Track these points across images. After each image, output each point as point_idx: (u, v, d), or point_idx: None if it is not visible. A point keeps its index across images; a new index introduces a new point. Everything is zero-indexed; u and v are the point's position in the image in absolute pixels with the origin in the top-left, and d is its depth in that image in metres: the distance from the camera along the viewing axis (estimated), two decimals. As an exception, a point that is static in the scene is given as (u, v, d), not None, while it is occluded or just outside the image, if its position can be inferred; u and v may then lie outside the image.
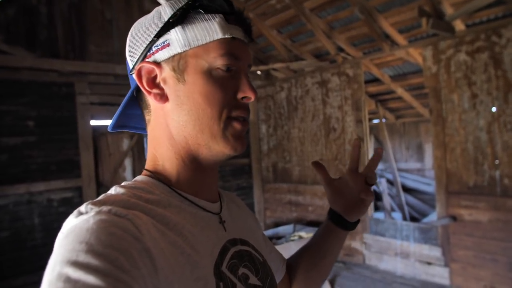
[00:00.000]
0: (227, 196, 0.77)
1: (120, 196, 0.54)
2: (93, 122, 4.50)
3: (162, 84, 0.60)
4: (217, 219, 0.64)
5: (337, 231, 0.86)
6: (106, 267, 0.42)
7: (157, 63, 0.60)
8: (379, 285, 4.11)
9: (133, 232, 0.47)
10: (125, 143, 4.82)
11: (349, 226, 0.86)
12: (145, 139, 4.95)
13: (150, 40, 0.60)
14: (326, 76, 5.14)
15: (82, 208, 0.50)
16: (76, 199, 4.27)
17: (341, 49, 4.92)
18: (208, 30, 0.58)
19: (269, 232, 4.68)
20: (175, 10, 0.59)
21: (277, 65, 5.35)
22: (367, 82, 5.98)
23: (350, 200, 0.84)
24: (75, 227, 0.46)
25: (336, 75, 5.01)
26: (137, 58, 0.61)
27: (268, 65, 5.53)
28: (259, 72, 5.93)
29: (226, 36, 0.59)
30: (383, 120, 7.08)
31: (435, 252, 4.02)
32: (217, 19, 0.59)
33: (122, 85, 4.57)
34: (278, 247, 0.98)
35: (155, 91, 0.60)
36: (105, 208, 0.49)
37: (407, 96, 6.02)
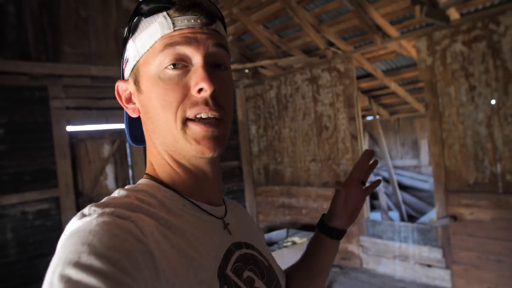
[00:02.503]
0: (229, 202, 0.77)
1: (123, 198, 0.54)
2: (70, 128, 4.24)
3: (133, 99, 0.63)
4: (221, 223, 0.64)
5: (331, 244, 0.87)
6: (108, 269, 0.41)
7: (127, 80, 0.64)
8: (377, 291, 3.91)
9: (136, 234, 0.47)
10: (106, 149, 4.56)
11: (341, 235, 0.87)
12: (127, 144, 4.70)
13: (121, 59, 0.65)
14: (316, 72, 4.92)
15: (86, 210, 0.50)
16: (53, 211, 4.01)
17: (331, 44, 4.71)
18: (151, 33, 0.58)
19: (261, 238, 4.46)
20: (128, 26, 0.61)
21: (265, 62, 5.14)
22: (359, 77, 5.80)
23: (351, 208, 0.87)
24: (78, 229, 0.46)
25: (326, 70, 4.79)
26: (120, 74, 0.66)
27: (255, 62, 5.31)
28: (246, 70, 5.70)
29: (166, 32, 0.57)
30: (377, 116, 6.92)
31: (436, 254, 3.83)
32: (158, 19, 0.57)
33: (100, 88, 4.31)
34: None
35: (130, 106, 0.64)
36: (108, 210, 0.49)
37: (401, 91, 5.84)
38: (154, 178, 0.63)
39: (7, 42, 3.87)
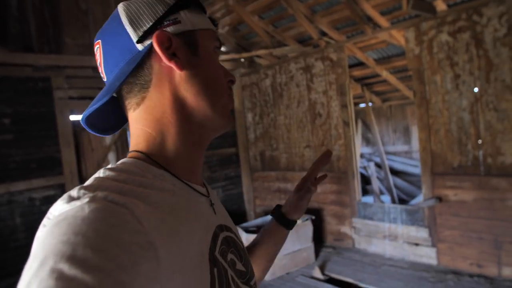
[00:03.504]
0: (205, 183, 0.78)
1: (113, 181, 0.50)
2: (73, 117, 4.39)
3: (180, 56, 0.61)
4: (208, 201, 0.65)
5: (283, 233, 0.97)
6: (106, 265, 0.38)
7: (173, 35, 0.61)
8: (368, 268, 4.14)
9: (134, 224, 0.44)
10: (108, 138, 4.73)
11: (293, 225, 0.98)
12: (128, 132, 4.86)
13: (161, 13, 0.60)
14: (310, 62, 5.08)
15: (74, 192, 0.47)
16: (59, 197, 4.09)
17: (323, 34, 4.85)
18: (204, 20, 0.65)
19: (258, 221, 4.66)
20: None
21: (260, 52, 5.27)
22: (352, 66, 5.95)
23: (303, 201, 0.97)
24: (67, 215, 0.42)
25: (320, 60, 4.95)
26: (147, 28, 0.60)
27: (251, 52, 5.45)
28: (242, 60, 5.84)
29: (213, 28, 0.68)
30: (370, 104, 7.08)
31: (422, 233, 4.05)
32: (204, 14, 0.67)
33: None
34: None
35: (174, 59, 0.60)
36: (100, 194, 0.45)
37: (392, 79, 6.00)
38: (143, 155, 0.60)
39: (11, 35, 3.99)
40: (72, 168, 4.32)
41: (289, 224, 0.96)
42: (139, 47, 0.59)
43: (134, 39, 0.59)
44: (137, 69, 0.60)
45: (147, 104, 0.61)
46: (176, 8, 0.61)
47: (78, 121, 4.48)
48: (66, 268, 0.37)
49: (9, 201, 3.91)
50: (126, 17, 0.60)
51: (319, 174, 1.00)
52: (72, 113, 4.37)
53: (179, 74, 0.60)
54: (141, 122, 0.62)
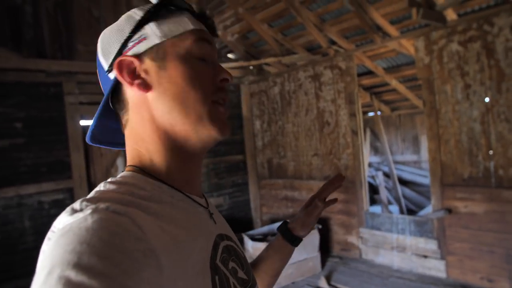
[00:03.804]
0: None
1: (113, 193, 0.53)
2: (83, 122, 4.44)
3: (143, 75, 0.61)
4: (207, 212, 0.65)
5: (289, 249, 0.96)
6: (111, 271, 0.40)
7: (135, 56, 0.61)
8: (376, 280, 4.08)
9: (135, 232, 0.46)
10: (117, 143, 4.77)
11: (298, 242, 0.97)
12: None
13: (125, 37, 0.62)
14: (318, 70, 5.08)
15: (76, 205, 0.48)
16: (67, 201, 4.22)
17: (333, 42, 4.86)
18: (180, 23, 0.63)
19: (264, 229, 4.64)
20: (146, 10, 0.62)
21: (269, 60, 5.29)
22: (361, 75, 5.94)
23: (311, 218, 0.98)
24: (72, 226, 0.44)
25: (328, 68, 4.95)
26: (114, 55, 0.62)
27: (260, 60, 5.47)
28: (251, 67, 5.87)
29: (197, 27, 0.64)
30: (378, 112, 7.04)
31: (431, 245, 3.99)
32: (185, 15, 0.64)
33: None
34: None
35: (137, 81, 0.61)
36: (102, 205, 0.47)
37: (401, 88, 5.97)
38: (138, 170, 0.62)
39: (25, 41, 4.07)
40: (81, 173, 4.35)
41: (295, 241, 0.95)
42: (111, 76, 0.63)
43: (103, 71, 0.64)
44: (116, 95, 0.64)
45: (131, 125, 0.64)
46: (143, 23, 0.62)
47: (88, 126, 4.53)
48: (73, 275, 0.38)
49: (18, 204, 3.96)
50: (100, 48, 0.65)
51: (330, 197, 1.00)
52: (82, 118, 4.42)
53: (150, 95, 0.61)
54: (131, 140, 0.64)
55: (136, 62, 0.61)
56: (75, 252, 0.40)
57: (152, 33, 0.61)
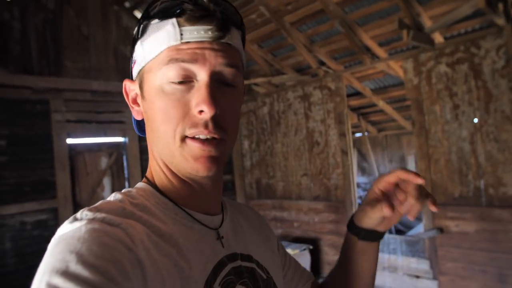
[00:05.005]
0: (235, 207, 0.75)
1: (117, 203, 0.53)
2: (70, 140, 4.32)
3: (139, 100, 0.61)
4: (214, 234, 0.61)
5: (363, 246, 0.75)
6: (96, 279, 0.41)
7: (134, 81, 0.61)
8: (368, 301, 4.01)
9: (126, 242, 0.47)
10: (104, 162, 4.65)
11: (373, 236, 0.74)
12: (124, 157, 4.78)
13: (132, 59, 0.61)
14: (308, 90, 5.12)
15: (78, 214, 0.50)
16: (51, 221, 4.05)
17: (322, 63, 4.92)
18: (158, 40, 0.54)
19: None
20: (137, 27, 0.58)
21: (259, 80, 5.32)
22: (349, 95, 6.01)
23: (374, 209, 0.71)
24: (67, 235, 0.46)
25: (318, 88, 5.00)
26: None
27: (249, 80, 5.49)
28: (241, 87, 5.87)
29: (173, 43, 0.53)
30: (366, 133, 7.12)
31: (423, 265, 3.97)
32: (166, 26, 0.53)
33: (100, 102, 4.42)
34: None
35: (135, 107, 0.62)
36: (99, 215, 0.49)
37: (388, 109, 6.07)
38: (151, 183, 0.62)
39: (12, 57, 3.98)
40: (66, 192, 4.20)
41: (359, 233, 0.74)
42: None
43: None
44: None
45: (147, 138, 0.64)
46: (134, 45, 0.59)
47: (74, 144, 4.41)
48: (60, 282, 0.40)
49: (-1, 224, 3.77)
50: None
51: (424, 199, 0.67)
52: (69, 136, 4.31)
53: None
54: (149, 151, 0.65)
55: (133, 87, 0.62)
56: (64, 260, 0.42)
57: (140, 55, 0.58)
